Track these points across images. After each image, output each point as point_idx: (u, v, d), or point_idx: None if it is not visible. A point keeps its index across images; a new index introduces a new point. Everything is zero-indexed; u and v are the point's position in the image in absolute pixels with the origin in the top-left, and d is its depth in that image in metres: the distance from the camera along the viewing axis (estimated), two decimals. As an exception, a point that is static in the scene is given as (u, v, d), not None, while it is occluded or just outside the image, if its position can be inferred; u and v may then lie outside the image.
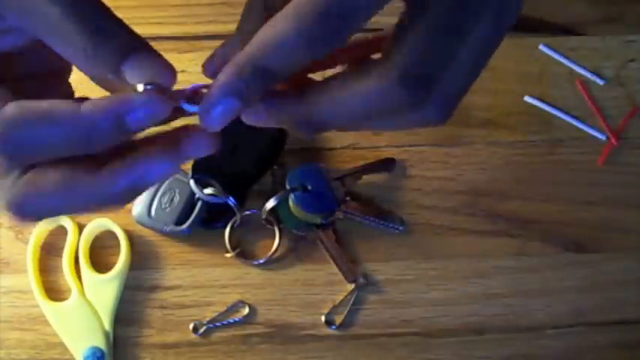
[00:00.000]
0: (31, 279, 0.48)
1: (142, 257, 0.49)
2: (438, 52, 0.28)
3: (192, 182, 0.48)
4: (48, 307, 0.47)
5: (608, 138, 0.51)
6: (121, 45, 0.28)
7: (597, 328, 0.48)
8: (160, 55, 0.29)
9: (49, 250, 0.49)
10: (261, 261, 0.48)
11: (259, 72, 0.28)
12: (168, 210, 0.48)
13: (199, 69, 0.54)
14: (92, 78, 0.29)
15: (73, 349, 0.47)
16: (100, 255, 0.49)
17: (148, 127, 0.28)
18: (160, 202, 0.49)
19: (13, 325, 0.48)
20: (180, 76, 0.55)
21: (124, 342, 0.48)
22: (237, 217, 0.48)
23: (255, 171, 0.49)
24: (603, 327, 0.48)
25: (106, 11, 0.29)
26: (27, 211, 0.28)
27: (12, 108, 0.27)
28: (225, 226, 0.49)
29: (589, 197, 0.51)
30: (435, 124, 0.30)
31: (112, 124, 0.27)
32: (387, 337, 0.48)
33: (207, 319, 0.48)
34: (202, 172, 0.48)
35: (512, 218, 0.50)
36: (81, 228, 0.49)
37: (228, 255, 0.48)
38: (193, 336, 0.48)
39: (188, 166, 0.49)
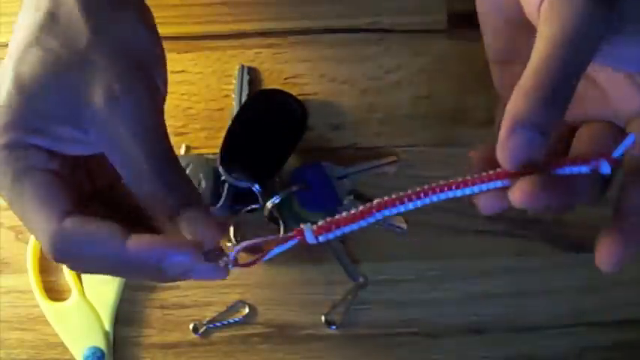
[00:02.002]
0: (31, 279, 0.48)
1: (142, 257, 0.49)
2: None
3: (220, 168, 0.48)
4: (48, 307, 0.47)
5: (608, 138, 0.51)
6: (182, 196, 0.33)
7: (597, 328, 0.48)
8: (209, 216, 0.33)
9: (49, 250, 0.49)
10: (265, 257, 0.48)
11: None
12: None
13: (199, 69, 0.54)
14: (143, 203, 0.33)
15: (73, 349, 0.47)
16: (100, 255, 0.49)
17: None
18: None
19: (13, 325, 0.48)
20: (180, 76, 0.55)
21: (124, 342, 0.48)
22: (261, 202, 0.48)
23: (280, 155, 0.49)
24: (603, 327, 0.48)
25: (177, 164, 0.34)
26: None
27: (69, 224, 0.32)
28: (248, 210, 0.49)
29: (589, 197, 0.51)
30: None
31: (150, 269, 0.32)
32: (387, 337, 0.48)
33: (207, 319, 0.48)
34: (229, 158, 0.48)
35: (512, 218, 0.50)
36: (81, 228, 0.49)
37: (229, 245, 0.48)
38: (193, 336, 0.48)
39: (209, 150, 0.49)
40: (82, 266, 0.36)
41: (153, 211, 0.33)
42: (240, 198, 0.48)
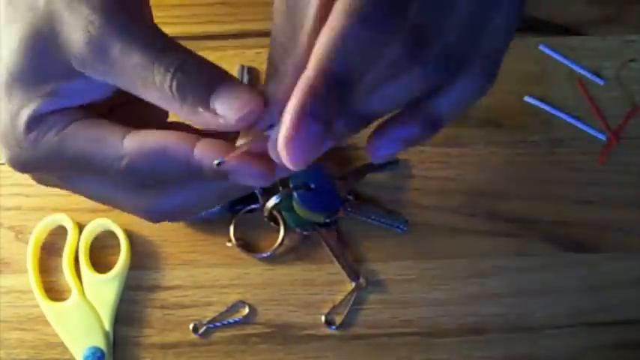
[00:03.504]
0: (31, 279, 0.48)
1: (142, 257, 0.49)
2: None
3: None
4: (48, 307, 0.47)
5: (608, 138, 0.51)
6: (204, 80, 0.29)
7: (597, 328, 0.48)
8: (241, 84, 0.30)
9: (49, 250, 0.49)
10: (265, 255, 0.48)
11: (333, 82, 0.26)
12: None
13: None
14: (188, 120, 0.30)
15: (73, 349, 0.47)
16: (100, 255, 0.49)
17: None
18: None
19: (13, 325, 0.48)
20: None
21: (124, 342, 0.48)
22: (261, 202, 0.48)
23: None
24: (603, 327, 0.48)
25: (185, 51, 0.30)
26: None
27: (130, 142, 0.31)
28: (248, 210, 0.49)
29: (589, 197, 0.51)
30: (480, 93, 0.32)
31: (217, 176, 0.30)
32: (387, 337, 0.48)
33: (207, 319, 0.48)
34: None
35: (512, 218, 0.50)
36: (81, 228, 0.49)
37: (229, 244, 0.48)
38: (193, 336, 0.48)
39: None
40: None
41: (184, 111, 0.30)
42: (240, 198, 0.48)
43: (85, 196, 0.35)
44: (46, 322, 0.47)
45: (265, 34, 0.53)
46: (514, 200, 0.50)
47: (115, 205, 0.34)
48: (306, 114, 0.26)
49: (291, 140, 0.26)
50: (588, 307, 0.49)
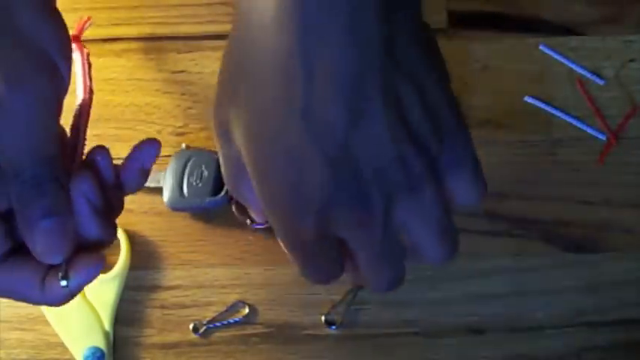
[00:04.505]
0: (31, 279, 0.48)
1: (142, 257, 0.49)
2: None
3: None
4: (48, 307, 0.47)
5: (608, 138, 0.51)
6: (49, 204, 0.32)
7: (597, 328, 0.48)
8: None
9: (49, 250, 0.49)
10: (261, 225, 0.48)
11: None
12: (200, 185, 0.48)
13: (199, 69, 0.54)
14: None
15: (73, 349, 0.47)
16: (100, 255, 0.49)
17: None
18: (189, 181, 0.48)
19: (13, 325, 0.48)
20: (180, 76, 0.55)
21: (124, 342, 0.48)
22: None
23: None
24: (603, 327, 0.48)
25: (59, 166, 0.33)
26: None
27: None
28: None
29: (589, 197, 0.51)
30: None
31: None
32: (387, 337, 0.48)
33: (207, 319, 0.48)
34: None
35: (512, 218, 0.50)
36: (81, 228, 0.49)
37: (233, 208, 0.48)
38: (193, 336, 0.48)
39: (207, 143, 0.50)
40: None
41: (18, 216, 0.32)
42: None
43: None
44: (46, 322, 0.47)
45: (265, 34, 0.53)
46: (514, 200, 0.50)
47: None
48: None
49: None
50: (588, 307, 0.49)
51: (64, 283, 0.32)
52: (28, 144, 0.31)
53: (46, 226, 0.32)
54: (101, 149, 0.34)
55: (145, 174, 0.36)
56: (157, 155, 0.35)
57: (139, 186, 0.36)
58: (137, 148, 0.35)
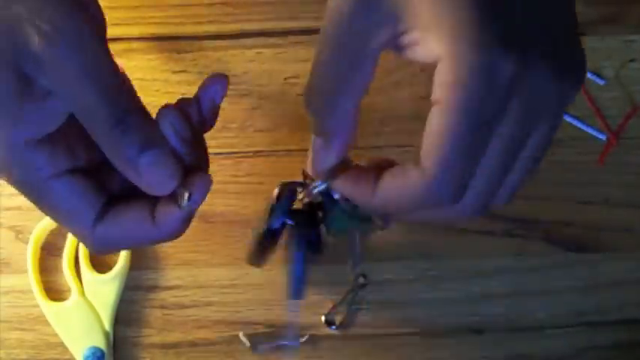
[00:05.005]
0: (31, 279, 0.48)
1: (141, 257, 0.49)
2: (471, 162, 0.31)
3: None
4: (48, 307, 0.47)
5: (608, 138, 0.51)
6: (137, 139, 0.31)
7: (597, 328, 0.48)
8: (169, 152, 0.32)
9: (49, 250, 0.49)
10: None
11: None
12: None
13: (199, 69, 0.54)
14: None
15: (73, 349, 0.47)
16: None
17: None
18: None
19: (13, 325, 0.48)
20: (180, 76, 0.55)
21: (124, 342, 0.48)
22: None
23: None
24: (603, 327, 0.48)
25: (135, 100, 0.32)
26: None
27: (101, 230, 0.33)
28: None
29: (589, 197, 0.51)
30: (470, 218, 0.33)
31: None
32: (387, 337, 0.48)
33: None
34: None
35: (512, 218, 0.50)
36: (81, 228, 0.49)
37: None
38: (193, 336, 0.48)
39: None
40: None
41: (112, 155, 0.32)
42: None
43: None
44: (46, 322, 0.47)
45: (265, 34, 0.53)
46: (514, 200, 0.50)
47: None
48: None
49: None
50: (588, 307, 0.49)
51: (184, 203, 0.32)
52: (94, 83, 0.31)
53: (146, 162, 0.31)
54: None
55: (217, 110, 0.36)
56: (226, 89, 0.36)
57: (212, 122, 0.36)
58: (206, 85, 0.35)
